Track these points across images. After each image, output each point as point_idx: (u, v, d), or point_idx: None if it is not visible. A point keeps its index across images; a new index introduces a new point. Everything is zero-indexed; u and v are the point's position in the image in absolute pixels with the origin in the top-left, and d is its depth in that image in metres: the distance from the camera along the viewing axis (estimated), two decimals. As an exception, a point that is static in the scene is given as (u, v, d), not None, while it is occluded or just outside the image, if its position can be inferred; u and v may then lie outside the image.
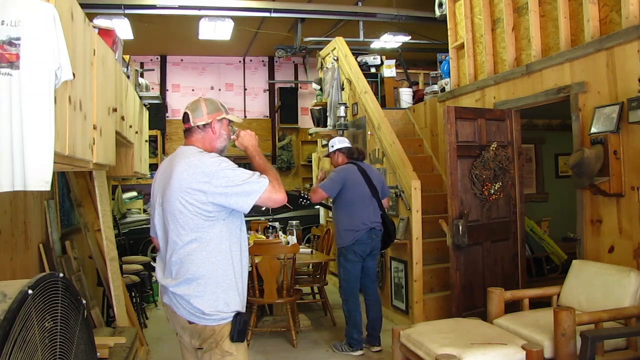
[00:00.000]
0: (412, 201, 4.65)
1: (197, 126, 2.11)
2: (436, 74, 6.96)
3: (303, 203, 4.35)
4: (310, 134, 7.29)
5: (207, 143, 2.13)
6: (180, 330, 2.07)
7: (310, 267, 5.68)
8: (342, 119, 6.11)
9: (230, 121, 2.19)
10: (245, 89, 11.11)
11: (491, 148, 4.36)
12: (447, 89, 5.86)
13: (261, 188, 1.94)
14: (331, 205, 4.35)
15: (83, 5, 2.14)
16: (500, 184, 4.38)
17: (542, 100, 4.25)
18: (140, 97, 4.30)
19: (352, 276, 4.04)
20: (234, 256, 2.01)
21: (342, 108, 6.10)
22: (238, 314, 2.00)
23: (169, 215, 1.98)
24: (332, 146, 4.27)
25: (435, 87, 6.44)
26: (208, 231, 1.96)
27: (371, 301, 4.15)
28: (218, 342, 1.97)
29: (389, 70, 7.43)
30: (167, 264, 2.02)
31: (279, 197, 1.98)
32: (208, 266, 1.96)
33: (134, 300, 4.59)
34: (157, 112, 8.88)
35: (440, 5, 6.39)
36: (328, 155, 4.36)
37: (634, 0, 3.38)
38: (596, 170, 3.48)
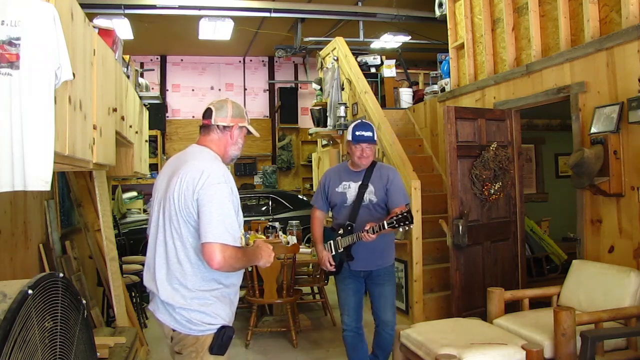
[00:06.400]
0: (412, 201, 4.65)
1: (217, 126, 2.04)
2: (436, 74, 6.96)
3: (407, 227, 2.83)
4: (310, 134, 7.29)
5: (221, 146, 2.05)
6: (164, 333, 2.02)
7: (310, 267, 5.68)
8: (342, 119, 6.10)
9: (248, 131, 2.13)
10: (245, 89, 11.11)
11: (491, 148, 4.36)
12: (447, 89, 5.86)
13: (221, 236, 1.79)
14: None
15: (83, 5, 2.13)
16: (500, 184, 4.38)
17: (542, 100, 4.25)
18: (140, 97, 4.30)
19: None
20: None
21: (342, 108, 6.10)
22: (223, 327, 1.92)
23: (166, 215, 1.92)
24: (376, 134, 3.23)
25: (435, 87, 6.44)
26: (196, 235, 1.87)
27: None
28: (199, 351, 1.90)
29: (389, 70, 7.44)
30: (155, 267, 1.94)
31: (217, 258, 1.78)
32: (196, 273, 1.89)
33: (134, 300, 4.60)
34: (157, 112, 8.88)
35: (440, 5, 6.39)
36: (370, 143, 3.12)
37: (634, 0, 3.38)
38: (596, 170, 3.48)
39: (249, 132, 2.14)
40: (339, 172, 3.30)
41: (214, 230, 1.80)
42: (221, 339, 1.91)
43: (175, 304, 1.89)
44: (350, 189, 3.16)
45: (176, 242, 1.89)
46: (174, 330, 1.93)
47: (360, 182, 3.14)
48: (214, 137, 2.06)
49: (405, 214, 2.76)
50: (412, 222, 2.75)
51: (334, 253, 3.16)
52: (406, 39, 8.47)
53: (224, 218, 1.83)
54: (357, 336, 3.22)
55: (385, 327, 3.15)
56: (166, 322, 1.93)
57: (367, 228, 2.85)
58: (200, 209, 1.84)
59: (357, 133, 3.10)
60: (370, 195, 3.11)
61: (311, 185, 9.17)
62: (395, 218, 2.77)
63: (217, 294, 1.93)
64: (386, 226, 2.79)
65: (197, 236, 1.87)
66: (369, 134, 3.11)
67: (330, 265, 3.16)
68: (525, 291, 3.77)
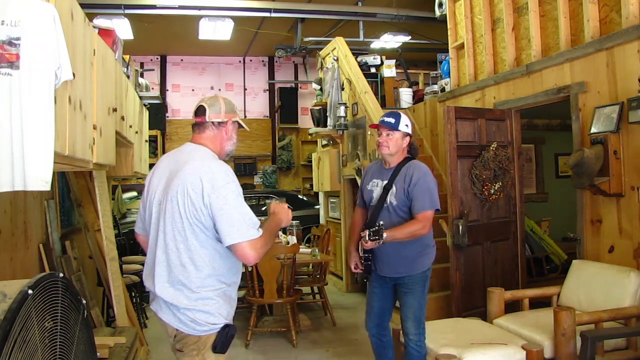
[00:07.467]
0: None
1: (212, 122, 2.03)
2: (436, 74, 6.96)
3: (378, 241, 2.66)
4: (310, 134, 7.30)
5: (217, 143, 2.05)
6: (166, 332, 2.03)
7: (310, 267, 5.68)
8: (342, 119, 6.11)
9: (240, 126, 2.13)
10: (245, 89, 11.12)
11: (491, 148, 4.36)
12: (447, 89, 5.86)
13: (246, 233, 1.83)
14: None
15: (83, 5, 2.13)
16: (500, 184, 4.38)
17: (542, 100, 4.25)
18: (140, 97, 4.31)
19: None
20: (226, 265, 1.93)
21: (342, 108, 6.10)
22: (226, 326, 1.93)
23: (168, 217, 1.90)
24: (407, 125, 2.93)
25: (435, 87, 6.44)
26: (201, 238, 1.88)
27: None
28: (200, 349, 1.91)
29: (389, 70, 7.43)
30: (156, 269, 1.93)
31: (250, 255, 1.84)
32: (200, 275, 1.89)
33: (134, 300, 4.60)
34: (157, 112, 8.88)
35: (440, 5, 6.39)
36: (389, 128, 2.88)
37: (634, 0, 3.39)
38: (596, 170, 3.48)
39: (240, 126, 2.15)
40: (372, 168, 3.11)
41: (239, 230, 1.83)
42: (224, 338, 1.92)
43: (180, 304, 1.88)
44: (377, 187, 2.96)
45: (179, 244, 1.89)
46: (177, 330, 1.94)
47: (386, 182, 2.91)
48: (209, 134, 2.05)
49: (376, 228, 2.63)
50: (381, 238, 2.60)
51: (361, 254, 2.97)
52: (406, 39, 8.48)
53: (242, 215, 1.86)
54: (381, 343, 3.04)
55: (405, 339, 2.92)
56: (170, 322, 1.93)
57: (362, 234, 2.74)
58: (216, 213, 1.84)
59: (380, 118, 2.98)
60: (391, 196, 2.87)
61: (311, 185, 9.16)
62: (372, 230, 2.65)
63: (219, 293, 1.94)
64: (366, 237, 2.66)
65: (202, 238, 1.88)
66: (389, 119, 2.90)
67: (356, 267, 3.02)
68: (525, 291, 3.77)
